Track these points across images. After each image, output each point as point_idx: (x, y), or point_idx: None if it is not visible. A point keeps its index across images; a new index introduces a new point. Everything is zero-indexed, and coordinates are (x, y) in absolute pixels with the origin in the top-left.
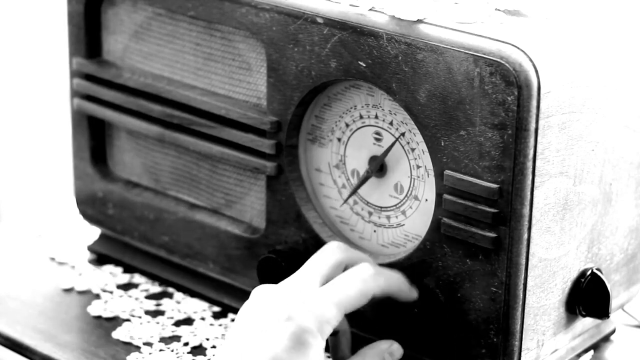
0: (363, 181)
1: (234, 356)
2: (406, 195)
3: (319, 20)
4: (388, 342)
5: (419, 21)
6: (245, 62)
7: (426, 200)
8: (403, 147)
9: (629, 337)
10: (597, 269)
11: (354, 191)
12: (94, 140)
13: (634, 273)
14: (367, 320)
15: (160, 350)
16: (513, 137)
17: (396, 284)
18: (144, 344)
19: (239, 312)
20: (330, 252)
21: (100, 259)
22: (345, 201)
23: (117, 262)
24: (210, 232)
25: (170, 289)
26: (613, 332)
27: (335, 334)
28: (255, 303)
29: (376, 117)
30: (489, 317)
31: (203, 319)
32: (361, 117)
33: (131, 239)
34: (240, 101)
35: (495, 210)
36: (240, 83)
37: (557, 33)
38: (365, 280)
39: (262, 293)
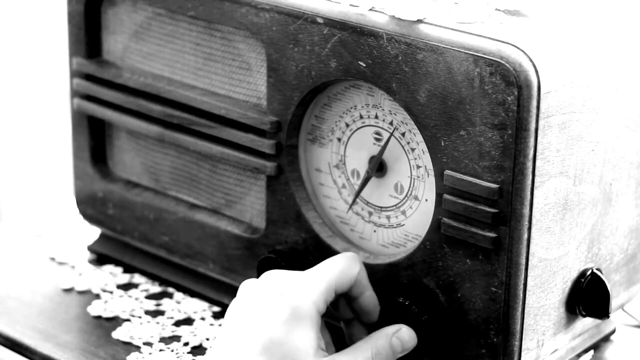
0: (365, 182)
1: (231, 342)
2: (406, 195)
3: (319, 20)
4: (396, 326)
5: (419, 21)
6: (245, 62)
7: (426, 200)
8: (403, 147)
9: (629, 337)
10: (597, 269)
11: (358, 194)
12: (94, 140)
13: (634, 273)
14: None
15: (160, 350)
16: (513, 137)
17: (369, 283)
18: (144, 344)
19: (230, 304)
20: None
21: (100, 259)
22: (351, 207)
23: (117, 262)
24: (210, 232)
25: (170, 289)
26: (613, 332)
27: None
28: (245, 291)
29: (376, 117)
30: (489, 317)
31: (203, 319)
32: (361, 117)
33: (131, 239)
34: (240, 101)
35: (495, 210)
36: (240, 83)
37: (557, 33)
38: (349, 259)
39: (250, 283)
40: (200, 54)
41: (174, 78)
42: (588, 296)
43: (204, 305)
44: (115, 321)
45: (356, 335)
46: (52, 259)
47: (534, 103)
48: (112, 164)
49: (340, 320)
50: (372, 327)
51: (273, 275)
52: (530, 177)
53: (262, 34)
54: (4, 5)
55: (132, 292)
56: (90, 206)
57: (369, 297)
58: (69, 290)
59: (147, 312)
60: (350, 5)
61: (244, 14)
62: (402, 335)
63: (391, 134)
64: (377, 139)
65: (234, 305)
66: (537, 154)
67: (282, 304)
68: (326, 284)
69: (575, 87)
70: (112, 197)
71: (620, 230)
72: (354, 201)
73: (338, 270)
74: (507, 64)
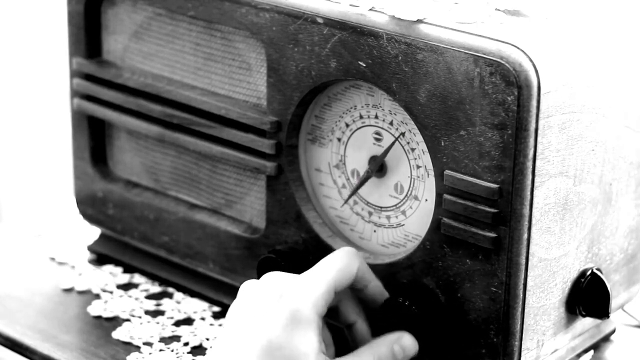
0: (363, 181)
1: (231, 345)
2: (406, 195)
3: (319, 20)
4: (398, 333)
5: (419, 21)
6: (245, 62)
7: (426, 200)
8: (403, 147)
9: (629, 337)
10: (597, 269)
11: (354, 191)
12: (94, 140)
13: (634, 273)
14: (368, 321)
15: (160, 350)
16: (513, 137)
17: (372, 274)
18: (144, 344)
19: (231, 306)
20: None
21: (100, 259)
22: (346, 202)
23: (117, 262)
24: (210, 232)
25: (170, 289)
26: (613, 332)
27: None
28: (246, 293)
29: (376, 117)
30: (489, 317)
31: (203, 319)
32: (361, 117)
33: (131, 239)
34: (240, 101)
35: (495, 210)
36: (240, 83)
37: (557, 33)
38: (347, 255)
39: (250, 284)
40: (200, 54)
41: (174, 78)
42: (588, 296)
43: (204, 305)
44: (115, 321)
45: (359, 340)
46: (52, 259)
47: (534, 103)
48: (112, 164)
49: (343, 326)
50: (376, 332)
51: (273, 277)
52: (530, 177)
53: (262, 34)
54: (4, 5)
55: (132, 292)
56: (90, 206)
57: (374, 288)
58: (68, 290)
59: (147, 312)
60: (350, 5)
61: (244, 14)
62: (404, 342)
63: (396, 139)
64: (377, 139)
65: (234, 308)
66: (537, 154)
67: (282, 307)
68: (326, 285)
69: (575, 87)
70: (112, 197)
71: (620, 230)
72: (349, 197)
73: (336, 269)
74: (507, 64)
